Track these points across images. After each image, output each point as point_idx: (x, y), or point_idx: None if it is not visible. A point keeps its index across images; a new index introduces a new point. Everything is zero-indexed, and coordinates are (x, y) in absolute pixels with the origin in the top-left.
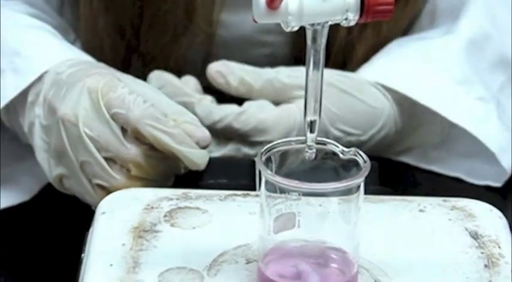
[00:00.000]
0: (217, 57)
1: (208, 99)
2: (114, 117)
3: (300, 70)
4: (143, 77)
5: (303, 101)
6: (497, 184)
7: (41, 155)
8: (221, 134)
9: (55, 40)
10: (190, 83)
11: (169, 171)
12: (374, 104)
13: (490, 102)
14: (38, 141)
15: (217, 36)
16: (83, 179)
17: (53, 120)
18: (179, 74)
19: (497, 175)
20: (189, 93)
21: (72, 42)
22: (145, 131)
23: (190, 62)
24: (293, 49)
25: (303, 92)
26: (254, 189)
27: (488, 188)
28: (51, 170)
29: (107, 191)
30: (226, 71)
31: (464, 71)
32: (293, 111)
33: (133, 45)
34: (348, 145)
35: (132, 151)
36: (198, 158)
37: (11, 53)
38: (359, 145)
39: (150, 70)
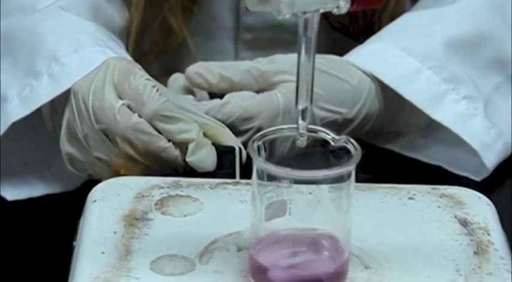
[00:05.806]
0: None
1: (190, 98)
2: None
3: (278, 58)
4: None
5: (284, 85)
6: (477, 178)
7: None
8: None
9: (94, 47)
10: (179, 80)
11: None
12: (354, 81)
13: (477, 101)
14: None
15: None
16: (89, 153)
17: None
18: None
19: (479, 169)
20: None
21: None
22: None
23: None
24: None
25: (283, 77)
26: (235, 177)
27: (470, 179)
28: (64, 147)
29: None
30: (203, 71)
31: (454, 69)
32: (275, 96)
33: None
34: (336, 124)
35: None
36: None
37: (50, 57)
38: (346, 123)
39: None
